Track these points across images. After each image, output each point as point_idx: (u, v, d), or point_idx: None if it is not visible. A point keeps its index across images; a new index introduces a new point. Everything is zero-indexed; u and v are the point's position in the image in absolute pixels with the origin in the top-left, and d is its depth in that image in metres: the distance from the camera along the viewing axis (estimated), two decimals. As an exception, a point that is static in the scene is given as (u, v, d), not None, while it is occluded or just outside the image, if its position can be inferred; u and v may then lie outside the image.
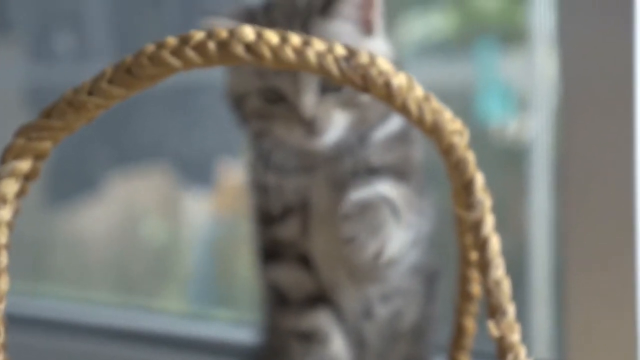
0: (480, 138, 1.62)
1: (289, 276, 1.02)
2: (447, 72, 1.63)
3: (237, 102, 1.01)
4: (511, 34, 1.64)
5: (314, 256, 1.02)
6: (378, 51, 0.99)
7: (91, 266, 1.99)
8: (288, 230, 1.02)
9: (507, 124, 1.64)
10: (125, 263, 1.96)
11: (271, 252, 1.03)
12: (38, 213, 1.95)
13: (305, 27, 0.97)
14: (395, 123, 1.00)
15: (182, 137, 1.87)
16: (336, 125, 0.96)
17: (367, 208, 0.93)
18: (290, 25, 0.97)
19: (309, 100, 0.95)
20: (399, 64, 1.00)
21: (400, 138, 1.01)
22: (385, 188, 0.97)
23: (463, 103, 1.63)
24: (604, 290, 1.09)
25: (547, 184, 1.47)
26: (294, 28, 0.97)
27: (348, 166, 0.99)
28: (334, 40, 0.94)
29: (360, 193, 0.95)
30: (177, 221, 2.00)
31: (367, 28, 0.99)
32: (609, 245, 1.08)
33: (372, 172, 0.99)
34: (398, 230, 0.94)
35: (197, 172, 1.87)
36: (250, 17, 0.99)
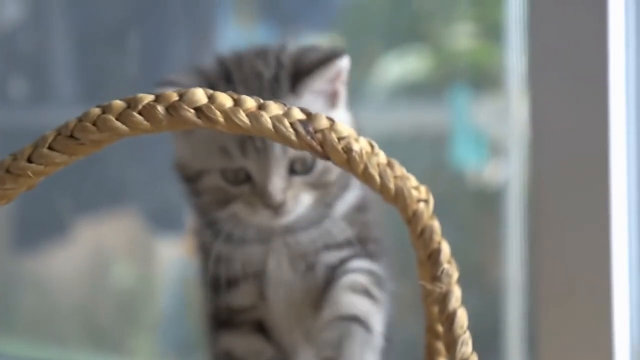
0: (454, 182, 1.61)
1: (245, 345, 0.96)
2: (422, 115, 1.62)
3: (192, 176, 0.94)
4: (485, 78, 1.63)
5: (270, 321, 0.97)
6: (341, 121, 0.95)
7: (58, 313, 1.93)
8: (242, 298, 0.96)
9: (481, 168, 1.62)
10: (93, 310, 1.91)
11: (224, 320, 0.97)
12: (3, 258, 1.90)
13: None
14: (354, 194, 0.96)
15: (151, 180, 1.82)
16: (303, 205, 0.92)
17: (342, 335, 0.90)
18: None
19: (278, 186, 0.90)
20: (360, 131, 0.96)
21: (360, 207, 0.97)
22: (358, 277, 0.93)
23: (437, 147, 1.62)
24: (579, 344, 1.07)
25: (521, 229, 1.44)
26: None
27: (309, 238, 0.94)
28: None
29: (335, 308, 0.92)
30: (147, 266, 1.95)
31: (333, 100, 0.94)
32: (582, 300, 1.06)
33: (335, 247, 0.95)
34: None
35: (166, 215, 1.83)
36: (210, 87, 0.93)
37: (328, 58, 0.92)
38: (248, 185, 0.91)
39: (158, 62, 1.75)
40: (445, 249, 0.68)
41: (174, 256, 1.91)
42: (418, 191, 0.68)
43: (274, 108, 0.65)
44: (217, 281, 0.96)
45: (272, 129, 0.64)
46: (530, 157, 1.14)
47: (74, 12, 1.83)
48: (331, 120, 0.66)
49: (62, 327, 1.91)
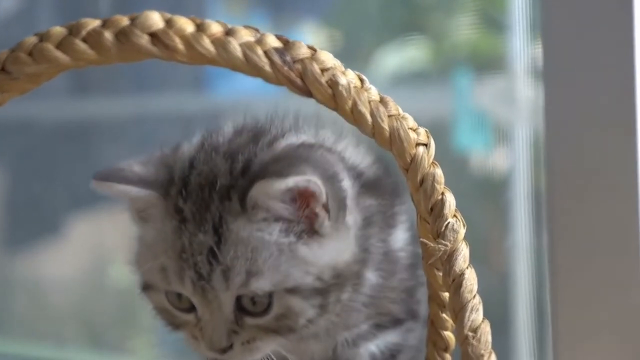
0: (458, 168, 1.53)
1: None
2: (424, 101, 1.53)
3: (141, 285, 0.72)
4: (488, 61, 1.54)
5: None
6: (336, 253, 0.68)
7: (54, 314, 1.83)
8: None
9: (485, 153, 1.53)
10: (91, 310, 1.80)
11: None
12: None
13: (218, 224, 0.67)
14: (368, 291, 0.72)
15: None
16: (260, 352, 0.70)
17: None
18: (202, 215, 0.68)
19: (220, 329, 0.69)
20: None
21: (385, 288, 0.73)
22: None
23: (440, 133, 1.53)
24: (594, 331, 0.96)
25: (527, 215, 1.36)
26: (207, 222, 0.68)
27: (320, 346, 0.75)
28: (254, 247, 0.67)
29: None
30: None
31: (310, 225, 0.67)
32: (593, 287, 0.96)
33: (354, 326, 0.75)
34: None
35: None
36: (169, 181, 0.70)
37: (280, 173, 0.64)
38: (194, 314, 0.70)
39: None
40: (450, 200, 0.55)
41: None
42: (417, 133, 0.55)
43: (245, 34, 0.53)
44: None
45: (243, 58, 0.52)
46: (543, 145, 1.05)
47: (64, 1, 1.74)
48: (313, 49, 0.54)
49: (59, 328, 1.81)
